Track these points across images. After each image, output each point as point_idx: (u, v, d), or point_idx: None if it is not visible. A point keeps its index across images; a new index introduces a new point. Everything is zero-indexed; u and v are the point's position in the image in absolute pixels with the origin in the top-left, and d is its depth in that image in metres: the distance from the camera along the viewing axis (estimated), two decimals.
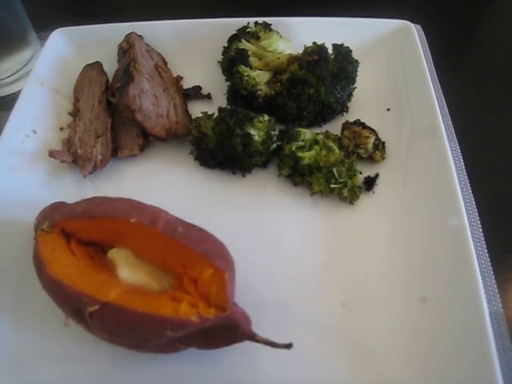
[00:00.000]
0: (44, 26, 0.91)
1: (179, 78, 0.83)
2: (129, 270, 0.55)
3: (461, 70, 0.94)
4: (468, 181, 0.73)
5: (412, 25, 0.80)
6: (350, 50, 0.72)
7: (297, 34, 0.80)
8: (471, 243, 0.58)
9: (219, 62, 0.80)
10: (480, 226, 0.69)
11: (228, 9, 0.85)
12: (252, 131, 0.65)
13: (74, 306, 0.51)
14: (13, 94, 0.87)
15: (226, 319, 0.50)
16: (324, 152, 0.66)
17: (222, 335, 0.52)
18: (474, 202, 0.71)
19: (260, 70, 0.74)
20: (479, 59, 0.96)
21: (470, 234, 0.59)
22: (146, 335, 0.50)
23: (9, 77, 0.85)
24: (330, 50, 0.73)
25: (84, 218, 0.56)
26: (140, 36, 0.81)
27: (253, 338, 0.51)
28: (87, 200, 0.59)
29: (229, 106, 0.70)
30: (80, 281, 0.52)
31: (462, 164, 0.75)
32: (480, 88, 0.90)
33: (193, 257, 0.52)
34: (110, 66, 0.82)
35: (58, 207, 0.62)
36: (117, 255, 0.56)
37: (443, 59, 0.89)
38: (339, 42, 0.74)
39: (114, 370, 0.57)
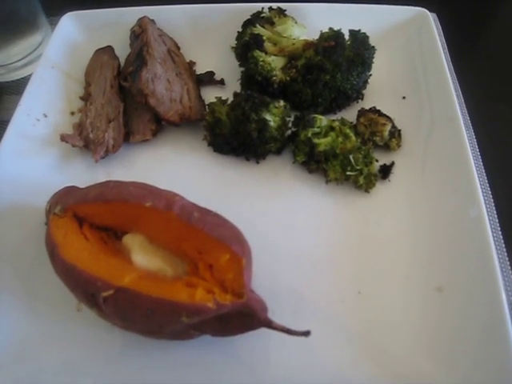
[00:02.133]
0: (54, 11, 0.89)
1: (192, 63, 0.82)
2: (143, 256, 0.54)
3: (475, 58, 0.93)
4: (484, 170, 0.72)
5: (429, 12, 0.78)
6: (367, 37, 0.71)
7: (311, 20, 0.78)
8: (489, 232, 0.57)
9: (232, 47, 0.79)
10: (496, 215, 0.68)
11: None
12: (268, 117, 0.64)
13: (88, 290, 0.50)
14: (23, 78, 0.86)
15: (242, 306, 0.49)
16: (340, 139, 0.65)
17: (238, 322, 0.51)
18: (490, 192, 0.70)
19: (275, 55, 0.72)
20: (493, 48, 0.95)
21: (488, 223, 0.58)
22: (161, 321, 0.49)
23: (19, 61, 0.84)
24: (346, 36, 0.71)
25: (97, 202, 0.56)
26: (152, 20, 0.80)
27: (269, 325, 0.50)
28: (100, 184, 0.59)
29: (242, 91, 0.69)
30: (94, 265, 0.51)
31: (478, 153, 0.74)
32: (494, 77, 0.89)
33: (209, 242, 0.51)
34: (122, 51, 0.81)
35: (70, 191, 0.61)
36: (131, 241, 0.56)
37: (458, 48, 0.87)
38: (356, 28, 0.73)
39: (125, 356, 0.56)
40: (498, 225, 0.68)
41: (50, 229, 0.56)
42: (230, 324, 0.52)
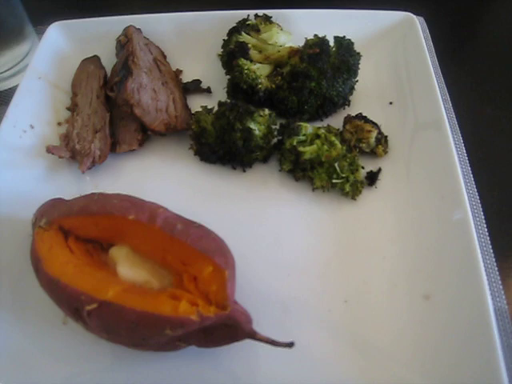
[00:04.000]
0: (41, 20, 0.89)
1: (178, 72, 0.81)
2: (129, 268, 0.54)
3: (464, 63, 0.93)
4: (472, 175, 0.72)
5: (415, 17, 0.78)
6: (352, 43, 0.71)
7: (297, 27, 0.79)
8: (476, 239, 0.57)
9: (219, 55, 0.79)
10: (484, 221, 0.68)
11: (227, 1, 0.83)
12: (252, 125, 0.64)
13: (72, 304, 0.50)
14: (10, 88, 0.86)
15: (226, 317, 0.49)
16: (326, 146, 0.65)
17: (222, 333, 0.51)
18: (477, 197, 0.70)
19: (260, 63, 0.72)
20: (483, 52, 0.95)
21: (474, 230, 0.58)
22: (145, 334, 0.49)
23: (6, 71, 0.84)
24: (332, 43, 0.71)
25: (82, 215, 0.55)
26: (138, 29, 0.80)
27: (254, 336, 0.50)
28: (85, 197, 0.59)
29: (228, 100, 0.69)
30: (78, 279, 0.51)
31: (466, 158, 0.74)
32: (483, 82, 0.89)
33: (192, 254, 0.51)
34: (108, 60, 0.81)
35: (55, 204, 0.61)
36: (117, 253, 0.55)
37: (446, 52, 0.87)
38: (341, 35, 0.73)
39: (113, 367, 0.56)
40: (486, 230, 0.67)
41: (35, 242, 0.56)
42: (215, 335, 0.52)
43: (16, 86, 0.76)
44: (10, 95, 0.75)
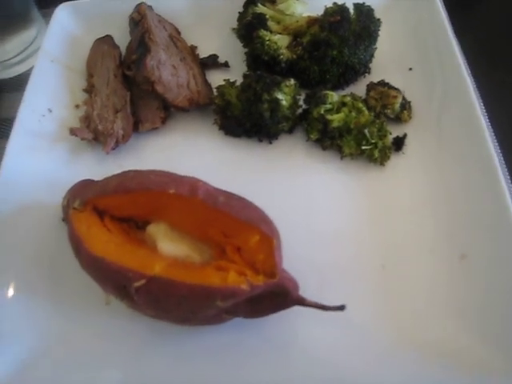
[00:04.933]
0: (46, 3, 0.87)
1: (194, 48, 0.80)
2: (169, 244, 0.54)
3: (473, 29, 0.92)
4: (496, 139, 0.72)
5: None
6: (372, 9, 0.70)
7: None
8: (508, 197, 0.58)
9: (233, 28, 0.78)
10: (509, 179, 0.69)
11: None
12: (280, 96, 0.64)
13: (118, 282, 0.49)
14: (21, 74, 0.84)
15: (275, 285, 0.49)
16: (353, 114, 0.65)
17: (270, 302, 0.51)
18: (502, 159, 0.70)
19: (279, 33, 0.71)
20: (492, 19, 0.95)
21: (506, 190, 0.58)
22: (195, 307, 0.49)
23: (15, 57, 0.82)
24: (351, 10, 0.71)
25: (118, 193, 0.55)
26: (149, 6, 0.78)
27: (303, 302, 0.51)
28: (118, 175, 0.58)
29: (252, 72, 0.68)
30: (122, 257, 0.50)
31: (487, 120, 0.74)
32: (496, 47, 0.89)
33: (236, 225, 0.51)
34: (120, 39, 0.80)
35: (86, 185, 0.60)
36: (155, 230, 0.55)
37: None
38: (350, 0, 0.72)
39: (153, 347, 0.56)
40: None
41: (72, 224, 0.55)
42: (262, 305, 0.52)
43: (28, 71, 0.75)
44: (23, 80, 0.75)
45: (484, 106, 0.74)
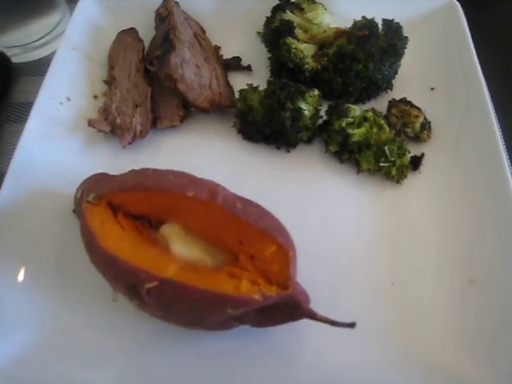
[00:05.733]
0: None
1: (217, 48, 0.80)
2: (183, 246, 0.53)
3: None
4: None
5: (458, 3, 0.77)
6: (401, 27, 0.70)
7: (338, 7, 0.77)
8: None
9: (259, 32, 0.78)
10: None
11: None
12: (303, 105, 0.64)
13: (130, 281, 0.49)
14: (40, 59, 0.84)
15: (287, 297, 0.49)
16: (375, 130, 0.64)
17: (280, 313, 0.51)
18: None
19: (306, 42, 0.71)
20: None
21: None
22: (205, 313, 0.49)
23: (36, 41, 0.82)
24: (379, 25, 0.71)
25: (135, 191, 0.54)
26: (176, 2, 0.78)
27: (313, 316, 0.50)
28: (136, 172, 0.57)
29: (277, 79, 0.68)
30: (135, 256, 0.50)
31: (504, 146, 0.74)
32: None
33: (252, 233, 0.51)
34: (143, 33, 0.79)
35: (101, 178, 0.60)
36: (169, 230, 0.55)
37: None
38: (381, 16, 0.72)
39: (155, 347, 0.56)
40: None
41: (86, 217, 0.54)
42: (272, 315, 0.52)
43: (46, 57, 0.75)
44: (41, 66, 0.75)
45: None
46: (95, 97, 0.74)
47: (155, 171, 0.56)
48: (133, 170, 0.64)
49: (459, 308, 0.58)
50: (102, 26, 0.80)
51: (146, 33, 0.79)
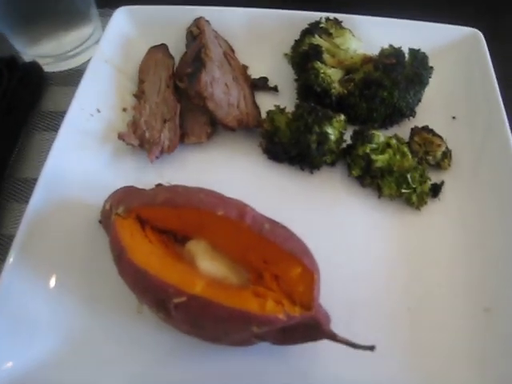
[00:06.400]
0: (103, 3, 0.89)
1: (245, 67, 0.82)
2: (209, 262, 0.54)
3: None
4: None
5: (481, 34, 0.79)
6: (427, 57, 0.72)
7: (365, 34, 0.79)
8: None
9: (286, 54, 0.80)
10: None
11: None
12: (329, 130, 0.65)
13: (158, 296, 0.50)
14: (70, 69, 0.86)
15: (309, 318, 0.50)
16: (398, 157, 0.66)
17: (301, 333, 0.53)
18: None
19: (333, 67, 0.73)
20: None
21: None
22: (230, 329, 0.50)
23: (69, 52, 0.84)
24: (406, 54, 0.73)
25: (166, 207, 0.55)
26: (207, 21, 0.80)
27: (334, 337, 0.52)
28: (166, 188, 0.59)
29: (305, 103, 0.69)
30: (164, 271, 0.51)
31: None
32: None
33: (279, 254, 0.52)
34: (174, 49, 0.81)
35: (131, 192, 0.61)
36: (195, 246, 0.56)
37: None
38: (405, 45, 0.74)
39: (175, 360, 0.57)
40: None
41: (116, 230, 0.55)
42: (293, 334, 0.53)
43: (78, 67, 0.77)
44: (70, 76, 0.77)
45: None
46: (124, 109, 0.76)
47: (185, 188, 0.57)
48: (161, 185, 0.66)
49: (473, 336, 0.59)
50: (133, 40, 0.82)
51: (177, 49, 0.81)
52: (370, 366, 0.57)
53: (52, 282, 0.60)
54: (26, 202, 0.63)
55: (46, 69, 0.84)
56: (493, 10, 1.06)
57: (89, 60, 0.76)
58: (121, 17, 0.81)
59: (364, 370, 0.57)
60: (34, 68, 0.82)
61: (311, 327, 0.52)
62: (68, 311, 0.59)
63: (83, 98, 0.72)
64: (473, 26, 0.82)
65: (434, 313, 0.61)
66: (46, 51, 0.83)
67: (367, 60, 0.72)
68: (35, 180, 0.64)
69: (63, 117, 0.69)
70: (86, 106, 0.72)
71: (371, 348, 0.50)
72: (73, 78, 0.82)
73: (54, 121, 0.79)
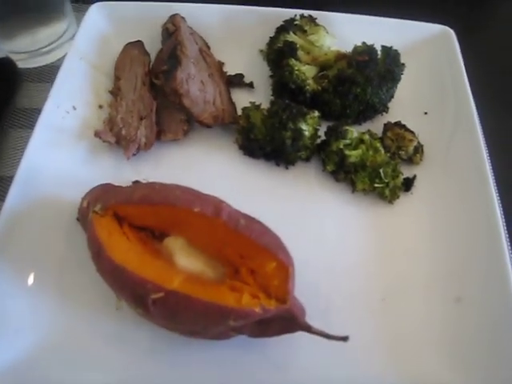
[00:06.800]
0: None
1: (221, 64, 0.82)
2: (186, 258, 0.55)
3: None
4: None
5: (452, 31, 0.81)
6: (399, 54, 0.74)
7: (338, 30, 0.80)
8: (505, 244, 0.61)
9: (261, 50, 0.81)
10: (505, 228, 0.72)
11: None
12: (304, 126, 0.67)
13: (136, 292, 0.51)
14: (45, 65, 0.85)
15: (285, 311, 0.52)
16: (371, 152, 0.68)
17: (277, 326, 0.54)
18: (501, 205, 0.73)
19: (307, 64, 0.74)
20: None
21: (504, 237, 0.62)
22: (208, 324, 0.51)
23: (43, 48, 0.83)
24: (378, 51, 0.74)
25: (143, 204, 0.56)
26: (183, 18, 0.80)
27: (308, 329, 0.53)
28: (143, 186, 0.60)
29: (279, 100, 0.70)
30: (141, 267, 0.52)
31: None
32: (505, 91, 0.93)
33: (254, 248, 0.53)
34: (149, 46, 0.81)
35: (108, 189, 0.62)
36: (173, 243, 0.57)
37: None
38: (377, 42, 0.75)
39: (154, 354, 0.58)
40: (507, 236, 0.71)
41: (94, 228, 0.56)
42: (269, 327, 0.54)
43: (52, 63, 0.76)
44: (45, 72, 0.76)
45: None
46: (100, 106, 0.76)
47: (162, 185, 0.58)
48: (138, 182, 0.67)
49: (444, 324, 0.61)
50: (108, 36, 0.82)
51: (153, 46, 0.81)
52: (344, 356, 0.58)
53: (30, 280, 0.61)
54: (2, 200, 0.62)
55: (21, 65, 0.83)
56: (464, 5, 1.08)
57: (64, 56, 0.77)
58: (96, 13, 0.80)
59: (339, 360, 0.58)
60: (7, 64, 0.80)
61: (287, 320, 0.53)
62: (47, 309, 0.59)
63: (59, 95, 0.72)
64: (446, 23, 0.84)
65: (407, 303, 0.63)
66: (20, 47, 0.82)
67: (341, 57, 0.73)
68: (11, 178, 0.64)
69: (38, 114, 0.69)
70: (62, 104, 0.72)
71: (344, 339, 0.52)
72: (48, 74, 0.82)
73: (30, 118, 0.78)
